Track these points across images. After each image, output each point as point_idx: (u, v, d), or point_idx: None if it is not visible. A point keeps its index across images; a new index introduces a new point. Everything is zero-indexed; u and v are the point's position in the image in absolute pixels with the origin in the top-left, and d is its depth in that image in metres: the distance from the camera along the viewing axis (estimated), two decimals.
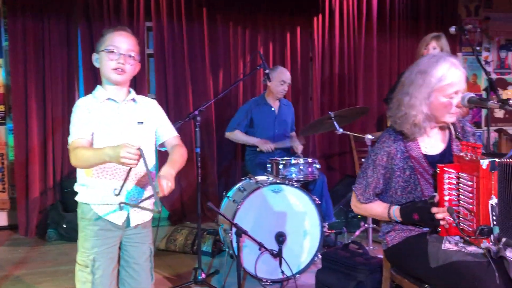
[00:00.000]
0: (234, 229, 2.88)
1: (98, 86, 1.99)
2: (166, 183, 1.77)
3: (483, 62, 5.87)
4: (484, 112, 5.84)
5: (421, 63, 1.92)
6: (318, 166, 3.68)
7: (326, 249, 3.04)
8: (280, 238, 3.01)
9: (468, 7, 5.81)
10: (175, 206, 4.83)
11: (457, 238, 1.80)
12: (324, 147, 5.24)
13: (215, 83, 4.93)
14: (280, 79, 4.07)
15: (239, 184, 3.41)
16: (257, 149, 4.06)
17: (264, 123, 4.15)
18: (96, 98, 1.95)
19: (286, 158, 3.70)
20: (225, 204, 3.36)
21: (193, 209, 4.63)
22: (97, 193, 1.90)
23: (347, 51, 5.24)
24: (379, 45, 5.33)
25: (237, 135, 4.14)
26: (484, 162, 1.63)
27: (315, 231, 3.20)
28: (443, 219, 1.75)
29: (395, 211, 1.91)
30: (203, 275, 2.94)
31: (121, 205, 1.90)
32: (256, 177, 3.37)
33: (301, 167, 3.59)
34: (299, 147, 4.23)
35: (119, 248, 2.02)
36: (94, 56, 1.97)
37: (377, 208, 1.98)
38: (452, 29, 3.49)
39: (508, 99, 1.59)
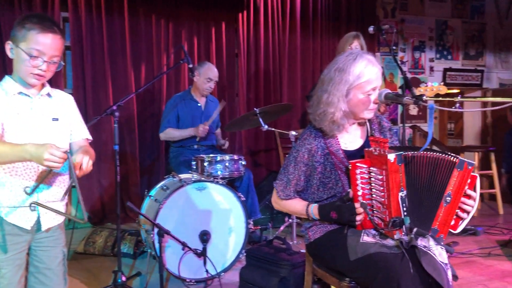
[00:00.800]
0: (156, 229, 2.78)
1: (7, 77, 1.78)
2: (83, 158, 1.66)
3: (399, 62, 6.18)
4: (400, 109, 6.14)
5: (339, 60, 1.94)
6: (244, 162, 3.66)
7: (252, 246, 3.02)
8: (204, 236, 2.95)
9: (385, 9, 6.08)
10: (95, 207, 4.61)
11: (373, 231, 1.84)
12: (250, 144, 5.25)
13: (137, 78, 4.75)
14: (207, 76, 3.99)
15: (161, 183, 3.30)
16: (197, 139, 3.96)
17: (190, 119, 4.05)
18: (5, 90, 1.75)
19: (211, 155, 3.63)
20: (147, 203, 3.24)
21: (114, 209, 4.41)
22: (4, 193, 1.72)
23: (272, 48, 5.27)
24: (303, 44, 5.42)
25: (170, 133, 4.00)
26: (391, 156, 1.68)
27: (240, 228, 3.18)
28: (360, 214, 1.78)
29: (314, 209, 1.92)
30: (124, 278, 2.80)
31: (32, 206, 1.74)
32: (180, 175, 3.28)
33: (227, 164, 3.55)
34: (226, 144, 4.19)
35: (28, 253, 1.85)
36: (9, 45, 1.76)
37: (297, 205, 1.98)
38: (371, 29, 3.63)
39: (421, 95, 1.65)
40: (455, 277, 1.79)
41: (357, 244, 1.77)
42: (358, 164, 1.81)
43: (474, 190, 1.75)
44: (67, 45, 4.59)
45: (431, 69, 6.40)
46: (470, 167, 1.70)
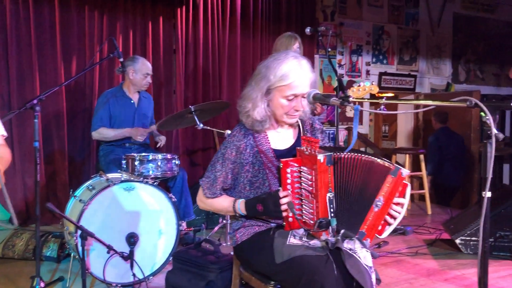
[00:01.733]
0: (79, 232, 2.63)
1: None
2: None
3: (336, 65, 6.29)
4: (337, 111, 6.24)
5: (273, 56, 1.90)
6: (177, 162, 3.55)
7: (180, 249, 2.92)
8: (132, 239, 2.81)
9: (325, 12, 6.17)
10: (19, 207, 4.32)
11: (302, 232, 1.82)
12: (188, 143, 5.13)
13: (67, 72, 4.50)
14: (144, 72, 3.85)
15: (88, 182, 3.13)
16: (131, 141, 3.80)
17: (123, 117, 3.88)
18: None
19: (143, 154, 3.50)
20: (72, 204, 3.06)
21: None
22: None
23: (211, 46, 5.19)
24: (243, 42, 5.38)
25: (104, 133, 3.79)
26: (321, 156, 1.66)
27: (171, 230, 3.07)
28: (286, 210, 1.75)
29: (240, 204, 1.87)
30: (42, 284, 2.62)
31: None
32: (107, 175, 3.12)
33: (159, 164, 3.44)
34: (162, 140, 4.07)
35: None
36: None
37: (223, 203, 1.92)
38: (307, 30, 3.65)
39: (348, 96, 1.64)
40: (378, 280, 1.79)
41: (283, 247, 1.73)
42: (289, 163, 1.77)
43: (404, 198, 1.76)
44: None
45: (368, 72, 6.57)
46: (404, 175, 1.70)
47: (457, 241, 3.81)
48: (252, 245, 1.86)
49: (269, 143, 1.93)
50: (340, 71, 6.37)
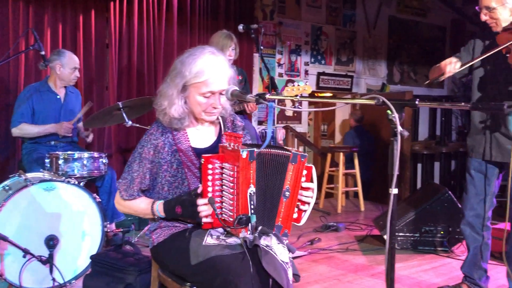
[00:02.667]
0: None
1: None
2: None
3: (276, 65, 6.33)
4: (276, 110, 6.29)
5: (188, 52, 1.85)
6: (105, 161, 3.42)
7: (111, 248, 2.80)
8: (51, 242, 2.68)
9: (264, 11, 6.18)
10: None
11: (220, 230, 1.78)
12: (121, 140, 4.97)
13: None
14: (72, 66, 3.68)
15: (4, 182, 2.94)
16: (59, 138, 3.61)
17: (48, 113, 3.68)
18: None
19: (68, 152, 3.34)
20: None
21: None
22: None
23: (147, 41, 5.05)
24: (180, 39, 5.28)
25: (26, 129, 3.57)
26: (244, 152, 1.64)
27: (96, 232, 2.95)
28: (205, 211, 1.71)
29: (159, 206, 1.81)
30: None
31: None
32: (27, 174, 2.95)
33: (85, 162, 3.31)
34: (89, 136, 3.91)
35: None
36: None
37: (141, 205, 1.85)
38: (240, 27, 3.63)
39: (264, 93, 1.63)
40: (297, 276, 1.79)
41: (199, 247, 1.69)
42: (210, 159, 1.73)
43: (311, 181, 1.78)
44: None
45: (306, 72, 6.65)
46: (303, 159, 1.72)
47: (385, 236, 3.92)
48: (168, 246, 1.80)
49: (188, 141, 1.88)
50: (279, 70, 6.41)
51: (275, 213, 1.73)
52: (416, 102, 1.45)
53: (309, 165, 1.77)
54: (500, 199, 3.03)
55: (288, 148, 1.75)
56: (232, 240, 1.70)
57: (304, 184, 1.77)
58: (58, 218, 2.81)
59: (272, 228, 1.72)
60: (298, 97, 1.73)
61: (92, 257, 2.41)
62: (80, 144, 4.02)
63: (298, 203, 1.78)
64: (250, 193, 1.66)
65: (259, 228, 1.68)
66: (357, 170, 5.58)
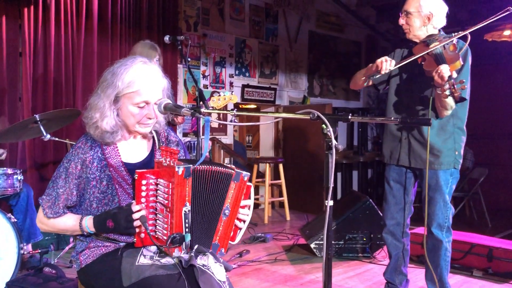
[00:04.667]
0: None
1: None
2: None
3: (200, 76, 6.30)
4: (202, 122, 6.24)
5: (118, 63, 1.79)
6: (20, 177, 3.20)
7: (19, 275, 2.59)
8: None
9: (188, 22, 6.14)
10: None
11: (153, 250, 1.72)
12: (36, 155, 4.65)
13: None
14: None
15: None
16: None
17: None
18: None
19: None
20: None
21: None
22: None
23: (65, 49, 4.80)
24: (100, 47, 5.08)
25: None
26: (180, 169, 1.60)
27: (11, 254, 2.72)
28: (139, 226, 1.64)
29: (88, 221, 1.71)
30: None
31: None
32: None
33: None
34: (3, 154, 3.62)
35: None
36: None
37: (68, 222, 1.74)
38: (167, 38, 3.57)
39: (199, 107, 1.61)
40: None
41: (132, 268, 1.62)
42: (145, 175, 1.66)
43: (249, 198, 1.78)
44: None
45: (231, 84, 6.69)
46: (245, 178, 1.72)
47: (312, 245, 4.03)
48: (98, 267, 1.70)
49: (119, 155, 1.80)
50: (204, 82, 6.39)
51: (213, 232, 1.70)
52: (349, 117, 1.51)
53: (249, 183, 1.77)
54: (416, 205, 3.23)
55: (229, 166, 1.73)
56: (166, 260, 1.65)
57: (243, 202, 1.76)
58: None
59: (209, 246, 1.69)
60: (234, 111, 1.72)
61: (8, 283, 2.20)
62: None
63: (236, 220, 1.76)
64: (185, 211, 1.62)
65: (195, 247, 1.65)
66: (282, 180, 5.69)
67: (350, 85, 2.95)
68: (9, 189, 3.14)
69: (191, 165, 1.62)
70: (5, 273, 2.68)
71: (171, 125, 4.08)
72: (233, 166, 1.71)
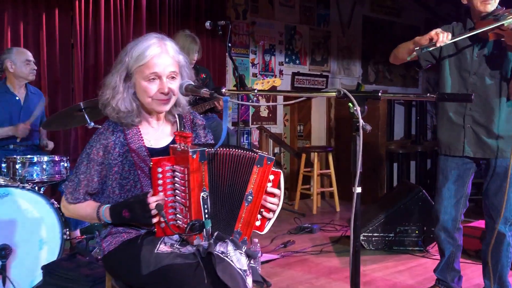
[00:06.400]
0: None
1: None
2: None
3: (250, 65, 6.22)
4: (251, 110, 6.19)
5: (133, 40, 1.73)
6: (66, 164, 3.27)
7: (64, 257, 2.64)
8: (3, 252, 2.50)
9: (237, 10, 6.07)
10: None
11: (176, 237, 1.66)
12: (84, 143, 4.77)
13: None
14: (24, 59, 3.51)
15: None
16: (18, 140, 3.42)
17: (7, 115, 3.50)
18: None
19: (28, 156, 3.17)
20: None
21: None
22: None
23: (114, 40, 4.89)
24: None
25: None
26: (194, 153, 1.52)
27: (55, 239, 2.78)
28: (157, 215, 1.58)
29: (105, 210, 1.67)
30: None
31: None
32: None
33: (45, 166, 3.15)
34: (49, 144, 3.73)
35: None
36: None
37: (87, 209, 1.72)
38: (208, 24, 3.52)
39: (220, 87, 1.51)
40: (261, 283, 1.68)
41: (151, 256, 1.56)
42: (161, 162, 1.60)
43: (278, 188, 1.66)
44: None
45: (281, 72, 6.56)
46: (269, 162, 1.60)
47: (360, 237, 3.85)
48: (119, 255, 1.66)
49: (142, 140, 1.75)
50: (253, 70, 6.30)
51: (234, 219, 1.61)
52: (379, 94, 1.36)
53: (277, 170, 1.65)
54: (474, 197, 2.97)
55: (254, 149, 1.64)
56: (186, 249, 1.57)
57: (270, 190, 1.65)
58: (12, 226, 2.64)
59: (231, 234, 1.61)
60: (255, 91, 1.62)
61: (43, 267, 2.25)
62: (44, 148, 3.84)
63: (262, 210, 1.66)
64: (203, 196, 1.54)
65: (215, 234, 1.56)
66: (332, 170, 5.51)
67: (390, 58, 2.70)
68: (57, 176, 3.22)
69: (206, 149, 1.54)
70: (49, 258, 2.75)
71: (215, 112, 4.03)
72: (258, 151, 1.61)
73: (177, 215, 1.62)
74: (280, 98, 6.28)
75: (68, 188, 1.72)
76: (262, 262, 3.26)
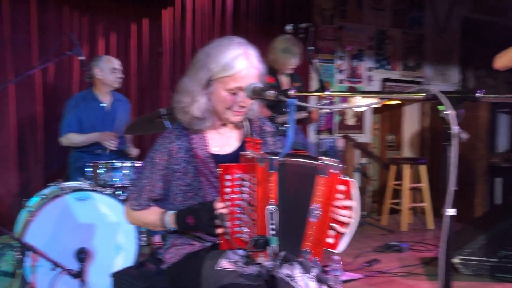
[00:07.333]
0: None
1: None
2: None
3: (335, 71, 5.98)
4: (337, 118, 5.94)
5: (214, 43, 1.63)
6: None
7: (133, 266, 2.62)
8: (81, 255, 2.54)
9: (323, 15, 5.88)
10: None
11: (241, 253, 1.51)
12: None
13: (44, 74, 4.29)
14: (110, 67, 3.61)
15: (43, 191, 2.88)
16: (107, 150, 3.54)
17: (93, 122, 3.63)
18: None
19: (110, 161, 3.24)
20: (24, 214, 2.80)
21: (10, 219, 3.96)
22: None
23: (201, 47, 4.93)
24: None
25: (72, 138, 3.53)
26: (262, 161, 1.37)
27: (131, 245, 2.79)
28: (221, 227, 1.46)
29: (170, 216, 1.58)
30: None
31: None
32: (65, 183, 2.87)
33: (127, 172, 3.18)
34: (133, 151, 3.81)
35: None
36: None
37: (151, 215, 1.64)
38: (289, 27, 3.38)
39: (288, 89, 1.35)
40: None
41: (212, 272, 1.44)
42: (230, 169, 1.48)
43: (352, 198, 1.45)
44: None
45: (370, 78, 6.24)
46: (335, 171, 1.40)
47: (455, 260, 3.44)
48: (181, 268, 1.56)
49: (207, 146, 1.64)
50: (339, 76, 6.06)
51: (301, 236, 1.43)
52: (478, 95, 1.11)
53: (347, 178, 1.46)
54: None
55: (320, 157, 1.45)
56: (250, 268, 1.42)
57: (341, 202, 1.46)
58: (91, 230, 2.69)
59: (298, 254, 1.42)
60: (327, 92, 1.43)
61: (112, 274, 2.24)
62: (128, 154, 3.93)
63: (333, 224, 1.47)
64: (269, 210, 1.38)
65: (282, 254, 1.40)
66: (424, 184, 5.07)
67: (495, 63, 2.37)
68: None
69: (275, 158, 1.38)
70: (126, 264, 2.76)
71: (305, 123, 3.87)
72: (323, 158, 1.42)
73: (243, 228, 1.47)
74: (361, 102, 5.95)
75: (132, 194, 1.66)
76: (344, 281, 3.02)
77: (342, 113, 5.52)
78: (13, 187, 4.20)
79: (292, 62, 3.67)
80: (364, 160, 6.09)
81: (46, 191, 2.84)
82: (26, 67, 4.17)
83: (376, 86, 6.23)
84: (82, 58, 2.92)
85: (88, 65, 3.36)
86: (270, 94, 1.40)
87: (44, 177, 4.31)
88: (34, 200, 2.82)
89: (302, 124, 3.99)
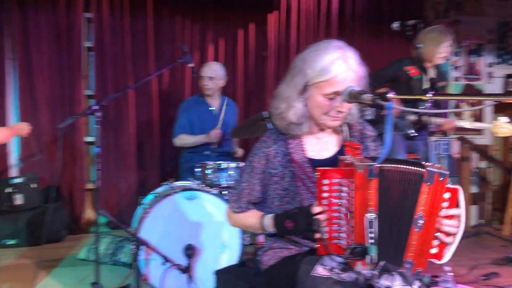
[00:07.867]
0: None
1: None
2: None
3: (452, 67, 5.59)
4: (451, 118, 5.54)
5: (311, 48, 1.62)
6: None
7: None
8: (188, 251, 2.68)
9: (436, 9, 5.53)
10: (113, 211, 4.51)
11: (339, 260, 1.48)
12: None
13: (160, 80, 4.62)
14: (202, 75, 3.80)
15: (157, 189, 3.09)
16: (212, 146, 3.75)
17: (203, 124, 3.82)
18: None
19: (217, 162, 3.38)
20: (139, 211, 3.03)
21: (129, 215, 4.33)
22: None
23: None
24: None
25: (183, 139, 3.80)
26: (360, 167, 1.32)
27: (235, 244, 2.88)
28: (318, 232, 1.43)
29: (269, 220, 1.59)
30: None
31: None
32: (176, 182, 3.05)
33: (232, 173, 3.29)
34: (238, 151, 3.93)
35: None
36: None
37: (250, 218, 1.67)
38: (396, 25, 3.22)
39: (385, 92, 1.29)
40: None
41: (307, 278, 1.42)
42: (328, 173, 1.45)
43: (458, 206, 1.35)
44: (89, 46, 4.54)
45: (489, 75, 5.73)
46: (442, 179, 1.31)
47: None
48: (278, 270, 1.57)
49: (304, 150, 1.63)
50: (455, 74, 5.65)
51: (403, 246, 1.36)
52: None
53: (453, 186, 1.35)
54: None
55: (423, 163, 1.36)
56: (346, 275, 1.38)
57: (446, 211, 1.36)
58: (199, 228, 2.82)
59: (400, 264, 1.35)
60: (429, 94, 1.33)
61: (215, 272, 2.32)
62: (234, 155, 4.07)
63: (438, 234, 1.37)
64: (368, 218, 1.33)
65: (381, 263, 1.33)
66: None
67: None
68: None
69: (375, 163, 1.32)
70: (230, 261, 2.86)
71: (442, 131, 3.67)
72: (428, 164, 1.32)
73: (341, 234, 1.44)
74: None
75: (232, 197, 1.71)
76: None
77: (457, 112, 5.14)
78: (132, 185, 4.58)
79: (442, 51, 3.47)
80: (483, 164, 5.60)
81: (159, 189, 3.05)
82: (143, 75, 4.54)
83: (497, 83, 5.70)
84: (192, 65, 3.07)
85: (197, 71, 3.56)
86: (367, 97, 1.35)
87: (159, 176, 4.64)
88: (149, 197, 3.04)
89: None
